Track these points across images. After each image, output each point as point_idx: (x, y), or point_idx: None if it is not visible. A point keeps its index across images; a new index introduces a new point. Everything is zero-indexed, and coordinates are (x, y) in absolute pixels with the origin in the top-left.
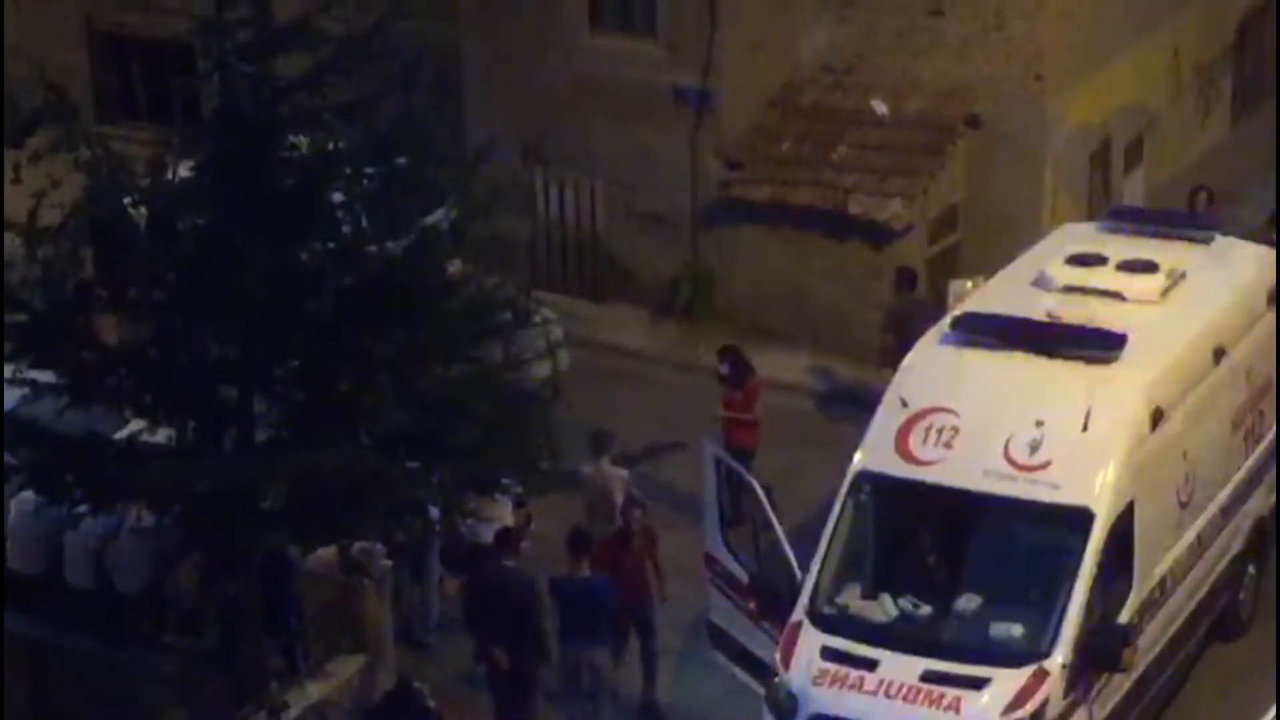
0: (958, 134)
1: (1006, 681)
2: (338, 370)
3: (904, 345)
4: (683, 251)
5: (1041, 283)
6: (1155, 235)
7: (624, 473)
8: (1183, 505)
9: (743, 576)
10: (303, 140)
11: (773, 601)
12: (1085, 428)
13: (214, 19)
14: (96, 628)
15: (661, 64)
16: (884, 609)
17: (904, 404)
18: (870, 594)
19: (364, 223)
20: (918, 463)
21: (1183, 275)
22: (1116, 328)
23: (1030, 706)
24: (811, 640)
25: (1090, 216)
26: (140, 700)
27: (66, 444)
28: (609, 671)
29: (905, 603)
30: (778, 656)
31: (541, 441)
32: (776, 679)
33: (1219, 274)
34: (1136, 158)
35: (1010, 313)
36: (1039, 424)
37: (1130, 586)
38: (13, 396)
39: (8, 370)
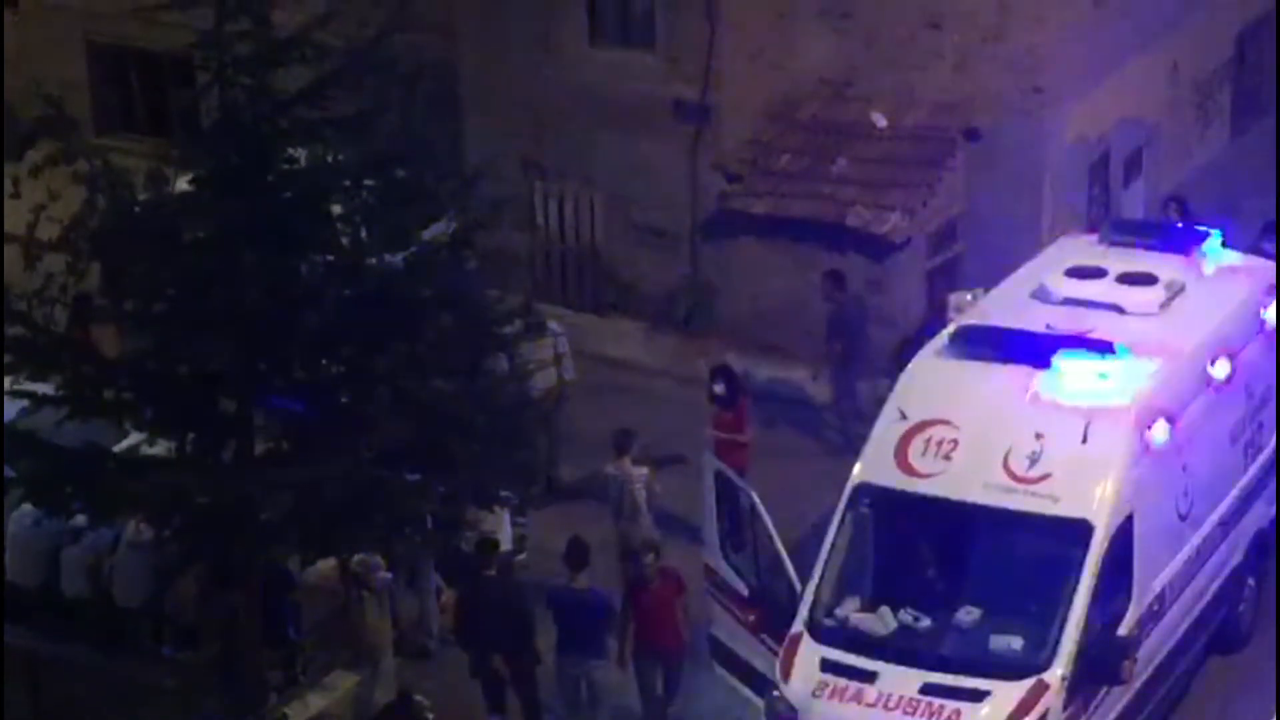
0: (957, 147)
1: (1006, 694)
2: (337, 382)
3: (844, 348)
4: (682, 264)
5: (1041, 295)
6: (1154, 248)
7: (645, 470)
8: (1182, 518)
9: (742, 589)
10: (302, 153)
11: (772, 614)
12: (1085, 440)
13: (213, 32)
14: (96, 640)
15: (661, 77)
16: (883, 621)
17: (903, 416)
18: (870, 606)
19: (363, 235)
20: (917, 475)
21: (1182, 288)
22: (1116, 340)
23: (1030, 719)
24: (811, 652)
25: (1089, 229)
26: (140, 713)
27: (66, 456)
28: (608, 684)
29: (905, 615)
30: (777, 669)
31: (542, 454)
32: (776, 691)
33: (1218, 286)
34: (1135, 170)
35: (1009, 325)
36: (1038, 436)
37: (1129, 599)
38: (12, 409)
39: (7, 382)
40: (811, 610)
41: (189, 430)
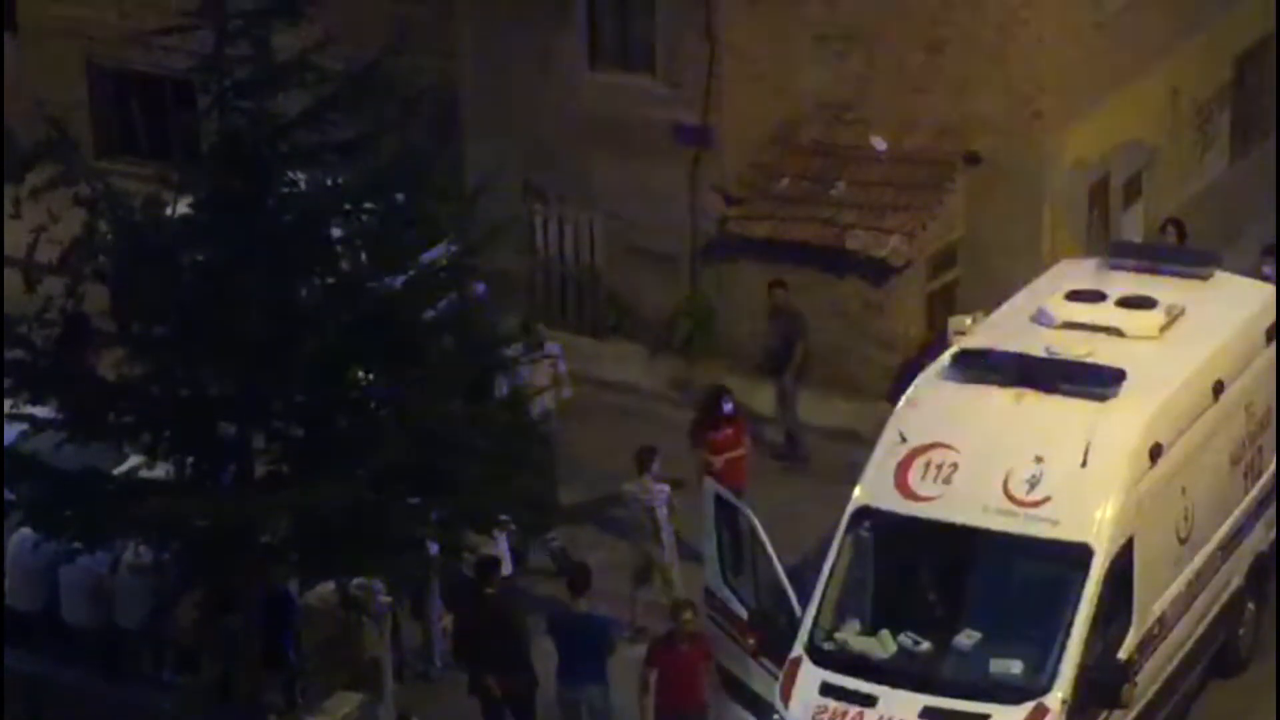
0: (957, 170)
1: (1006, 718)
2: (337, 406)
3: (788, 357)
4: (682, 287)
5: (1041, 319)
6: (1154, 271)
7: (666, 488)
8: (1182, 541)
9: (742, 612)
10: (302, 177)
11: (771, 637)
12: (1084, 464)
13: (214, 56)
14: (96, 664)
15: (661, 100)
16: (883, 645)
17: (903, 439)
18: (869, 630)
19: (363, 259)
20: (917, 498)
21: (1182, 311)
22: (1116, 364)
23: None
24: (811, 676)
25: (1089, 252)
26: None
27: (65, 479)
28: (608, 710)
29: (905, 639)
30: (777, 692)
31: (544, 478)
32: (776, 715)
33: (1218, 310)
34: (1135, 193)
35: (1010, 348)
36: (1038, 460)
37: (1129, 623)
38: (12, 432)
39: (7, 405)
40: (811, 633)
41: (188, 453)
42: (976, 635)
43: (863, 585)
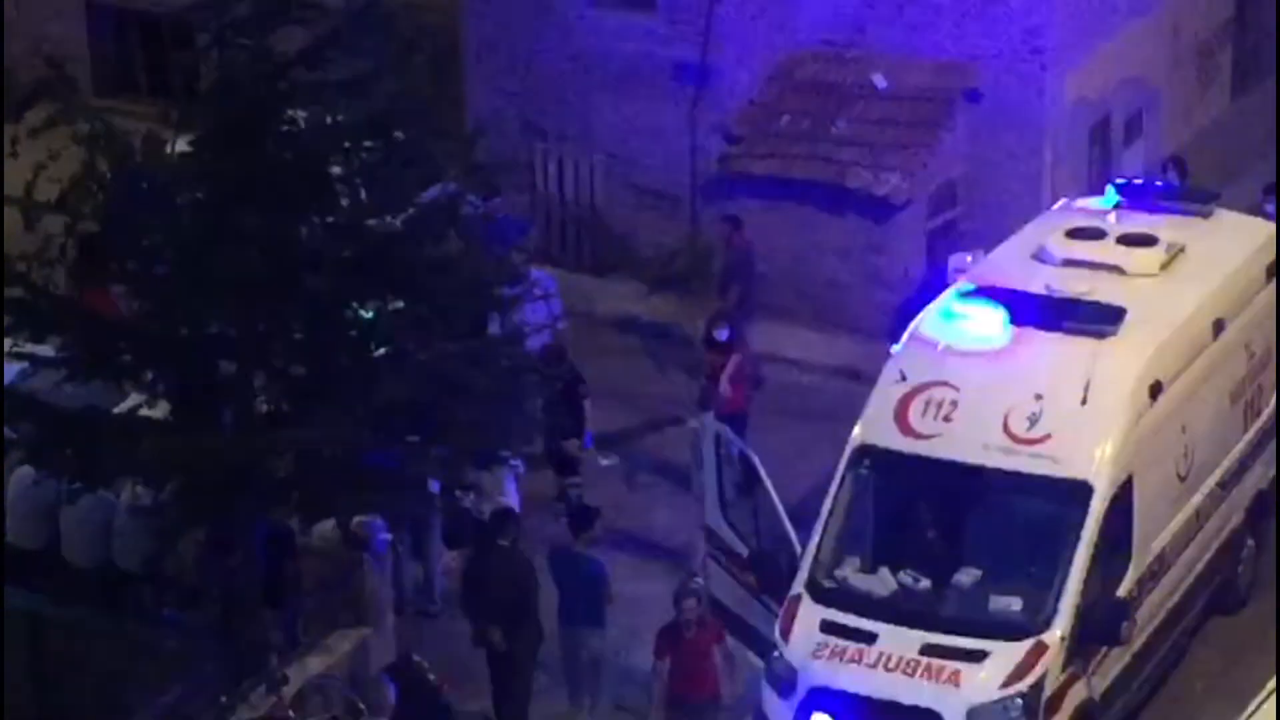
0: (957, 108)
1: (1005, 655)
2: (337, 344)
3: (741, 292)
4: (682, 225)
5: (1041, 256)
6: (1155, 209)
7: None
8: (1182, 479)
9: (742, 551)
10: (301, 115)
11: (772, 575)
12: (1084, 401)
13: None
14: (96, 602)
15: (661, 39)
16: (883, 582)
17: (903, 377)
18: (869, 567)
19: (363, 197)
20: (917, 436)
21: (1182, 249)
22: (1116, 301)
23: (1029, 679)
24: (811, 614)
25: (1089, 190)
26: (140, 674)
27: (65, 418)
28: (606, 654)
29: (904, 576)
30: (777, 630)
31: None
32: (776, 652)
33: (1218, 247)
34: (1136, 132)
35: (1010, 287)
36: (1038, 398)
37: (1129, 560)
38: (12, 371)
39: (7, 344)
40: (811, 571)
41: (189, 392)
42: (976, 572)
43: (863, 523)
